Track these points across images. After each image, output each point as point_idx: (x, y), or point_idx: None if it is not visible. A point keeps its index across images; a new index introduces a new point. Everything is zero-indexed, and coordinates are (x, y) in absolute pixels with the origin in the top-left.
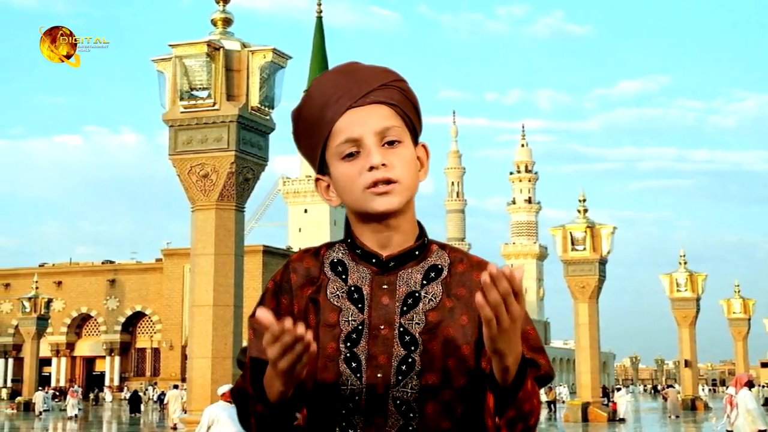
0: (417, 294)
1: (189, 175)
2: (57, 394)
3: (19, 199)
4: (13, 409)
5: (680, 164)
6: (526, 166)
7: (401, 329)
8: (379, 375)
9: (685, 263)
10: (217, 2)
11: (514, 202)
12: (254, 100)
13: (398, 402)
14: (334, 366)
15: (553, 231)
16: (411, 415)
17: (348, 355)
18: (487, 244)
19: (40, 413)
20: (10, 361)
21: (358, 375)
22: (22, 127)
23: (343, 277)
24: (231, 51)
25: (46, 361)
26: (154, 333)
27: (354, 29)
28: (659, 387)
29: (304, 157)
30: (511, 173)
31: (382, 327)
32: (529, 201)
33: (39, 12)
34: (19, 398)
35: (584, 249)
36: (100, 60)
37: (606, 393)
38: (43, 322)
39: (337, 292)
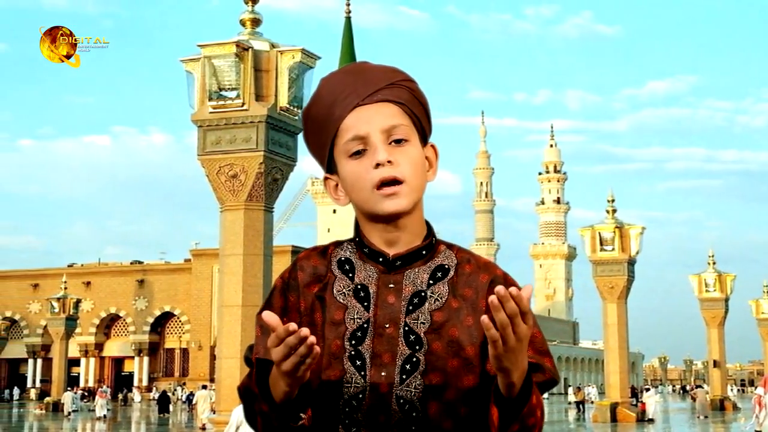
0: (423, 293)
1: (218, 176)
2: (86, 394)
3: (48, 200)
4: (42, 409)
5: (709, 164)
6: (555, 167)
7: (406, 328)
8: (383, 373)
9: (714, 263)
10: (246, 2)
11: (542, 203)
12: (283, 101)
13: (401, 401)
14: (339, 363)
15: (582, 231)
16: (414, 414)
17: (353, 353)
18: (515, 244)
19: (69, 413)
20: (39, 361)
21: (362, 373)
22: (51, 127)
23: (350, 275)
24: (260, 51)
25: (74, 362)
26: (183, 333)
27: (383, 29)
28: (688, 387)
29: (313, 156)
30: (540, 173)
31: (387, 326)
32: (558, 201)
33: (69, 12)
34: (47, 398)
35: (613, 249)
36: (129, 60)
37: (635, 393)
38: (71, 322)
39: (344, 290)
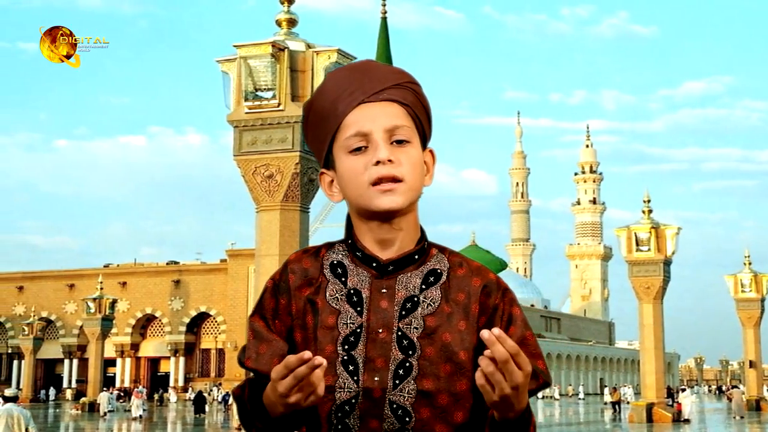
0: (416, 298)
1: (254, 176)
2: (122, 394)
3: (83, 200)
4: (77, 409)
5: (745, 165)
6: (591, 167)
7: (399, 333)
8: (376, 379)
9: (750, 264)
10: (282, 3)
11: (578, 203)
12: None
13: (394, 406)
14: (332, 368)
15: (618, 232)
16: (407, 419)
17: (346, 357)
18: (551, 244)
19: (105, 414)
20: (75, 361)
21: (355, 378)
22: (87, 127)
23: (343, 279)
24: (296, 52)
25: (110, 362)
26: (219, 334)
27: (419, 30)
28: (724, 387)
29: (312, 151)
30: (576, 174)
31: (380, 331)
32: (594, 201)
33: (104, 12)
34: (83, 399)
35: (649, 250)
36: (165, 60)
37: (671, 394)
38: (107, 322)
39: (336, 295)
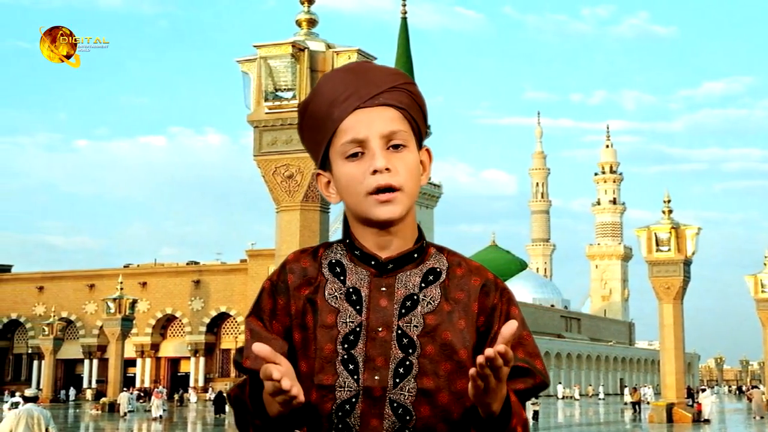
0: (415, 297)
1: (274, 176)
2: (142, 394)
3: (104, 200)
4: (97, 409)
5: (765, 165)
6: (611, 167)
7: (399, 332)
8: (376, 377)
9: None
10: (302, 3)
11: (598, 203)
12: None
13: (395, 405)
14: (332, 367)
15: (638, 232)
16: (407, 418)
17: (345, 356)
18: (571, 245)
19: (125, 414)
20: (95, 362)
21: (356, 377)
22: (107, 128)
23: (342, 278)
24: (316, 52)
25: (130, 362)
26: (239, 334)
27: (439, 30)
28: (744, 388)
29: (308, 151)
30: (596, 174)
31: (380, 329)
32: (614, 202)
33: (124, 12)
34: (103, 399)
35: (669, 250)
36: (185, 60)
37: (691, 394)
38: (127, 323)
39: (335, 294)
